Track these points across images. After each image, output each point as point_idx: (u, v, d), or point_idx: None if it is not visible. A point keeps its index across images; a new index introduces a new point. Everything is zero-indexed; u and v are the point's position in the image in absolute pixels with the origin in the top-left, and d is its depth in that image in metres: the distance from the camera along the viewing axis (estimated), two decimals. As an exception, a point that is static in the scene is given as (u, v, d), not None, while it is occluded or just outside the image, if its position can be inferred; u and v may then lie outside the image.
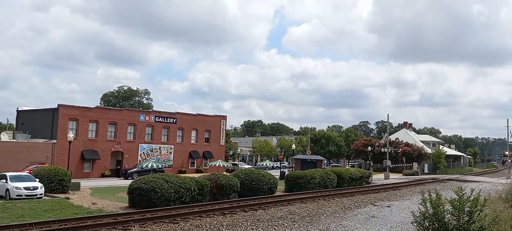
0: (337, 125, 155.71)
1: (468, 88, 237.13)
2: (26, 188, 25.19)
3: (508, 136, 64.21)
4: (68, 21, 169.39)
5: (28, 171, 32.45)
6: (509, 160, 67.90)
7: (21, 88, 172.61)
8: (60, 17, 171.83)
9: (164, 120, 56.67)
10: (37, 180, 26.85)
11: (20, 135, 47.82)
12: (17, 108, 54.80)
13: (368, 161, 71.12)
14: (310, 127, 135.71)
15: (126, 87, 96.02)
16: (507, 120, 62.82)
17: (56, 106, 47.79)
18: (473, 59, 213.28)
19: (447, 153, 73.99)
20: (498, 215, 12.01)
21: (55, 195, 27.14)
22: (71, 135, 37.08)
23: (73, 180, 31.09)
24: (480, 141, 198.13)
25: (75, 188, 30.03)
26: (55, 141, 45.55)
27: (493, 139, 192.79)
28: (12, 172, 28.81)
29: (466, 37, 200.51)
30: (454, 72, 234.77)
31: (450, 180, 49.06)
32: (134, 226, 16.29)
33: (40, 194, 25.59)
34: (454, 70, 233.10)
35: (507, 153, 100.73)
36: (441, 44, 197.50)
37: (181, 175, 31.59)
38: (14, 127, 57.10)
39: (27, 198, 24.52)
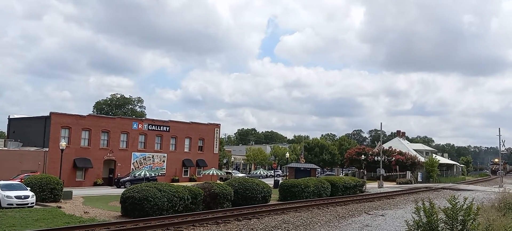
0: (331, 134, 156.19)
1: (460, 97, 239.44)
2: (17, 197, 24.88)
3: (500, 144, 64.66)
4: (61, 30, 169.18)
5: (19, 180, 32.11)
6: (500, 169, 68.33)
7: (13, 97, 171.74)
8: (53, 26, 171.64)
9: (157, 128, 56.46)
10: (29, 188, 26.54)
11: (11, 143, 47.39)
12: (9, 116, 54.42)
13: (361, 170, 71.21)
14: (304, 135, 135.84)
15: (119, 95, 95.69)
16: (499, 128, 63.30)
17: (48, 114, 47.47)
18: (465, 69, 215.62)
19: (440, 162, 74.30)
20: (491, 224, 12.06)
21: (46, 204, 26.84)
22: (63, 143, 36.79)
23: (65, 189, 30.80)
24: (472, 149, 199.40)
25: (67, 197, 29.73)
26: (47, 149, 45.17)
27: (485, 147, 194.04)
28: (3, 180, 28.50)
29: (457, 47, 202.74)
30: (446, 82, 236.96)
31: (443, 188, 49.19)
32: (127, 236, 16.13)
33: (32, 203, 25.28)
34: (446, 79, 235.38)
35: (496, 160, 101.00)
36: (433, 54, 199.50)
37: (174, 183, 31.38)
38: (6, 135, 56.61)
39: (18, 207, 24.21)
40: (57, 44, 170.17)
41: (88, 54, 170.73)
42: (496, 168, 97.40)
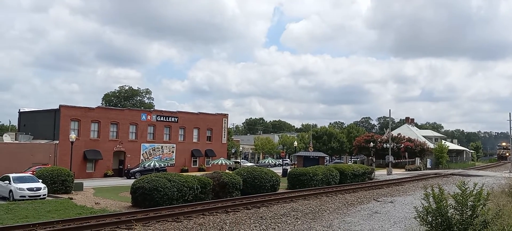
0: (339, 121, 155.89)
1: (469, 82, 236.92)
2: (29, 189, 25.29)
3: (510, 129, 64.05)
4: (68, 22, 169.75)
5: (31, 172, 32.54)
6: (508, 154, 67.68)
7: (22, 90, 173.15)
8: (60, 18, 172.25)
9: (165, 119, 56.71)
10: (40, 181, 26.94)
11: (22, 136, 47.90)
12: (19, 110, 54.94)
13: (370, 157, 71.10)
14: (312, 124, 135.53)
15: (127, 87, 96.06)
16: (510, 113, 62.69)
17: (57, 107, 47.88)
18: (473, 54, 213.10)
19: (449, 148, 73.89)
20: (501, 209, 12.00)
21: (58, 195, 27.22)
22: (73, 135, 37.05)
23: (76, 180, 31.16)
24: (482, 135, 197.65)
25: (78, 188, 30.11)
26: (57, 142, 45.63)
27: (495, 132, 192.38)
28: (15, 173, 28.90)
29: (465, 32, 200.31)
30: (454, 67, 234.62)
31: (452, 174, 49.01)
32: (137, 226, 16.30)
33: (43, 195, 25.67)
34: (454, 64, 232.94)
35: (504, 144, 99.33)
36: (441, 39, 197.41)
37: (184, 173, 31.57)
38: (16, 128, 57.22)
39: (31, 199, 24.60)
40: (64, 37, 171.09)
41: (95, 46, 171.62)
42: (503, 152, 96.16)
